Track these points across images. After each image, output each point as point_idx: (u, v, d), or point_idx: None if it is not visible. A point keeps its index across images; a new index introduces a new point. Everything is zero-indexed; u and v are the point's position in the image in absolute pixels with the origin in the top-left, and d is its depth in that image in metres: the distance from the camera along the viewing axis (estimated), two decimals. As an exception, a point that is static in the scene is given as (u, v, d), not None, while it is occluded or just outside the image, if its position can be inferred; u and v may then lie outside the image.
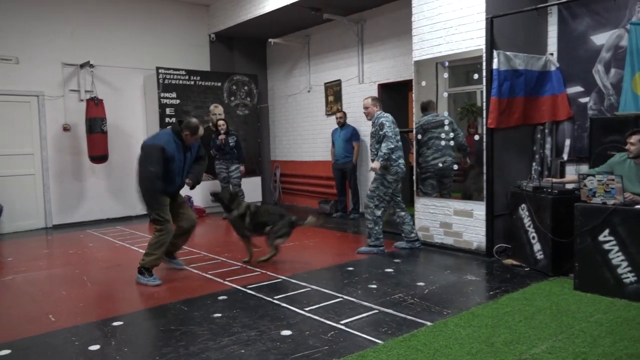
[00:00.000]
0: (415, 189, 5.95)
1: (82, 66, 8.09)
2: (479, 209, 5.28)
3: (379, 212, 5.40)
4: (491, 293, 4.07)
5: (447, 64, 5.52)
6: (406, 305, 3.75)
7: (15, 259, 5.79)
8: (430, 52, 5.66)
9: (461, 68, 5.47)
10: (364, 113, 5.60)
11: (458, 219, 5.50)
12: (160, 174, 4.45)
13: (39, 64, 7.78)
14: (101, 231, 7.39)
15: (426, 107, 5.75)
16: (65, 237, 7.11)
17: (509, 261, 4.97)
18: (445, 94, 5.59)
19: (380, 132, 5.30)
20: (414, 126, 5.91)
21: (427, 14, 5.66)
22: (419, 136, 5.81)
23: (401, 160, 5.34)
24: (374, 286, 4.29)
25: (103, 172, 8.38)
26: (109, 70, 8.42)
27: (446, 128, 5.54)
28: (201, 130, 4.65)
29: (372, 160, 5.47)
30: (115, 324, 3.53)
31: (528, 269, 4.71)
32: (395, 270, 4.79)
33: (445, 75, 5.56)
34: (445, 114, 5.56)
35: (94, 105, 7.79)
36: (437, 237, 5.71)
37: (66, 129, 8.04)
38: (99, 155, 7.86)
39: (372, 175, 8.10)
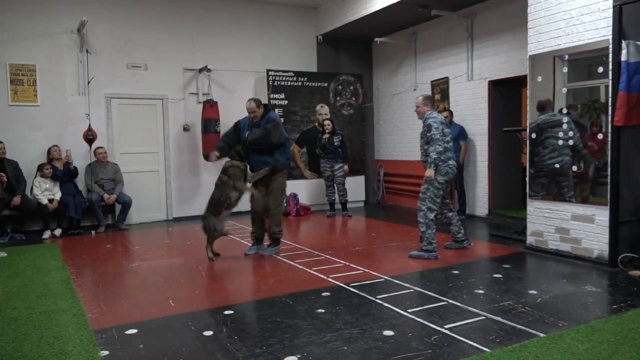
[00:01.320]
0: (528, 191, 5.61)
1: (200, 71, 8.71)
2: (602, 214, 4.84)
3: (431, 215, 5.25)
4: (614, 306, 3.72)
5: (566, 57, 5.13)
6: (516, 314, 3.56)
7: (141, 247, 6.39)
8: (547, 45, 5.30)
9: (583, 61, 5.05)
10: (415, 112, 5.54)
11: (577, 224, 5.09)
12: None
13: (164, 70, 8.50)
14: (215, 225, 7.88)
15: (544, 106, 5.39)
16: (184, 229, 7.70)
17: (636, 273, 4.50)
18: (564, 90, 5.19)
19: (428, 134, 5.20)
20: (528, 125, 5.58)
21: (545, 5, 5.31)
22: (534, 135, 5.46)
23: (451, 161, 5.25)
24: (481, 291, 4.12)
25: (215, 169, 8.93)
26: (224, 74, 8.96)
27: (564, 127, 5.15)
28: (250, 105, 5.51)
29: (423, 161, 5.36)
30: (226, 312, 3.75)
31: (660, 282, 4.24)
32: (504, 276, 4.56)
33: (565, 69, 5.17)
34: (564, 110, 5.18)
35: (209, 107, 8.35)
36: (552, 243, 5.33)
37: (186, 129, 8.70)
38: (212, 154, 8.41)
39: (482, 174, 7.84)
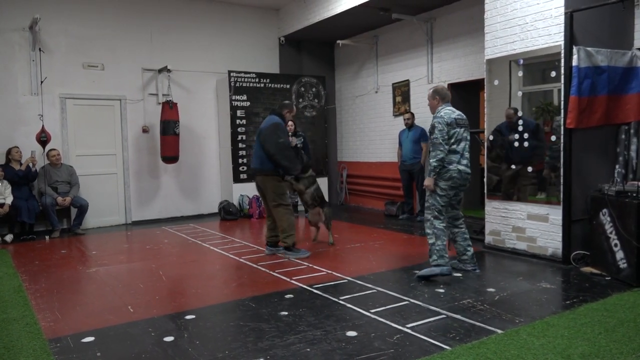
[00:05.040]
0: (485, 191, 5.76)
1: (160, 71, 8.53)
2: (556, 214, 5.02)
3: (439, 224, 4.54)
4: (568, 302, 3.86)
5: (521, 61, 5.30)
6: (475, 312, 3.64)
7: (99, 252, 6.20)
8: (503, 50, 5.46)
9: (537, 66, 5.23)
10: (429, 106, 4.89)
11: (532, 224, 5.26)
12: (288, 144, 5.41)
13: (122, 70, 8.29)
14: (175, 228, 7.75)
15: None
16: (143, 233, 7.53)
17: (588, 269, 4.69)
18: (520, 93, 5.36)
19: (431, 137, 4.58)
20: (485, 127, 5.72)
21: (501, 10, 5.47)
22: (491, 137, 5.62)
23: (453, 165, 4.50)
24: (442, 290, 4.20)
25: (175, 171, 8.79)
26: (184, 75, 8.81)
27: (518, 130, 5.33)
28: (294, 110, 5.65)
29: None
30: (188, 317, 3.69)
31: (609, 278, 4.42)
32: (463, 275, 4.66)
33: (520, 73, 5.34)
34: (520, 113, 5.34)
35: (169, 109, 8.18)
36: (509, 242, 5.49)
37: (145, 130, 8.51)
38: (170, 156, 8.26)
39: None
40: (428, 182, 4.57)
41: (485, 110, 5.74)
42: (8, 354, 3.04)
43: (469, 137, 4.67)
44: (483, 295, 4.04)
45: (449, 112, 4.60)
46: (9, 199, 6.89)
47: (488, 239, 5.72)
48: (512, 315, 3.55)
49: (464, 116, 4.71)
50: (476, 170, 8.16)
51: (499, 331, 3.25)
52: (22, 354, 3.05)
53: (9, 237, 6.87)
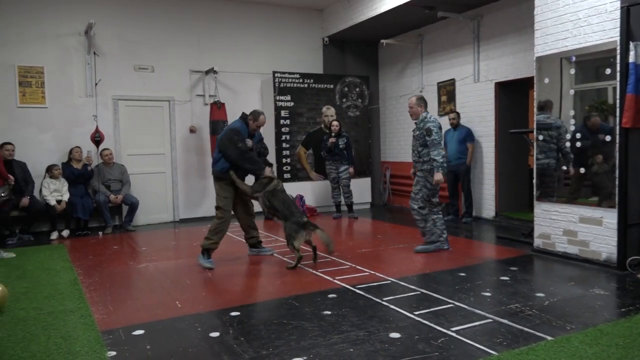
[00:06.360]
0: (535, 193, 5.59)
1: (207, 72, 8.74)
2: (610, 217, 4.81)
3: (424, 211, 5.47)
4: (623, 310, 3.69)
5: (574, 59, 5.11)
6: (523, 317, 3.54)
7: (148, 249, 6.41)
8: (554, 47, 5.28)
9: (590, 63, 5.03)
10: (409, 113, 5.62)
11: (585, 227, 5.06)
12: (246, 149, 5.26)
13: (171, 72, 8.54)
14: (221, 226, 7.89)
15: (543, 107, 5.43)
16: (190, 231, 7.72)
17: (645, 276, 4.48)
18: (572, 91, 5.17)
19: (428, 139, 5.29)
20: (535, 126, 5.56)
21: (552, 6, 5.29)
22: (540, 137, 5.46)
23: (445, 163, 5.38)
24: (488, 294, 4.11)
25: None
26: (230, 76, 8.98)
27: (558, 130, 5.25)
28: (263, 119, 5.40)
29: (415, 162, 5.61)
30: (233, 313, 3.76)
31: (669, 285, 4.21)
32: (511, 279, 4.54)
33: (572, 71, 5.15)
34: (572, 112, 5.16)
35: (217, 109, 8.37)
36: (560, 246, 5.31)
37: (192, 130, 8.73)
38: (220, 155, 8.42)
39: (489, 176, 7.81)
40: (439, 177, 5.23)
41: (535, 109, 5.57)
42: (65, 344, 3.20)
43: None
44: (532, 300, 3.93)
45: (435, 117, 5.45)
46: (66, 196, 7.24)
47: (537, 242, 5.55)
48: (562, 322, 3.43)
49: None
50: (524, 171, 7.94)
51: (549, 338, 3.15)
52: (78, 344, 3.20)
53: (65, 233, 7.22)
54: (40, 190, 7.22)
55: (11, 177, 6.21)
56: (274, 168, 8.88)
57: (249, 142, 5.28)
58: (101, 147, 7.67)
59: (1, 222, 6.78)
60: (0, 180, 5.80)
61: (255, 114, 5.42)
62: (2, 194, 5.73)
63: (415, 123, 5.57)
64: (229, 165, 5.27)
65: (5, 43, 7.41)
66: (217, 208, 5.40)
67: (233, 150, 5.19)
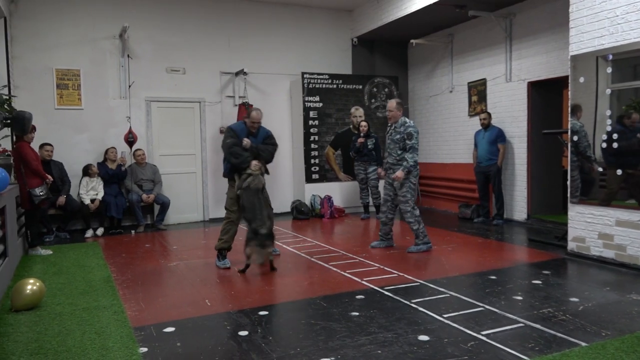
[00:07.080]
0: (569, 195, 5.45)
1: (236, 74, 8.83)
2: (648, 220, 4.66)
3: (416, 212, 5.71)
4: (662, 317, 3.57)
5: (610, 57, 4.96)
6: (556, 322, 3.46)
7: (179, 247, 6.52)
8: (590, 45, 5.14)
9: (628, 61, 4.87)
10: (388, 116, 5.79)
11: (621, 230, 4.91)
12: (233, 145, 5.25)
13: (201, 74, 8.67)
14: (250, 226, 7.96)
15: (573, 111, 5.34)
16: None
17: (686, 282, 4.31)
18: (608, 91, 5.02)
19: (408, 142, 5.56)
20: (569, 127, 5.43)
21: (587, 4, 5.15)
22: (575, 138, 5.32)
23: (417, 165, 5.69)
24: (519, 298, 4.02)
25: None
26: (259, 77, 9.06)
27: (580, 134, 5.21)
28: (255, 115, 5.30)
29: (390, 163, 5.74)
30: (261, 313, 3.79)
31: None
32: (543, 283, 4.44)
33: (608, 69, 5.00)
34: (608, 112, 5.01)
35: (245, 110, 8.44)
36: (595, 249, 5.16)
37: (222, 131, 8.83)
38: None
39: (521, 177, 7.65)
40: (400, 174, 5.54)
41: (569, 109, 5.43)
42: (98, 339, 3.28)
43: None
44: (565, 304, 3.83)
45: (413, 123, 5.69)
46: (100, 194, 7.43)
47: (571, 245, 5.41)
48: (597, 328, 3.34)
49: None
50: (558, 172, 7.76)
51: (583, 344, 3.06)
52: (111, 339, 3.28)
53: (99, 231, 7.41)
54: (79, 189, 7.44)
55: (49, 176, 6.40)
56: (302, 167, 8.92)
57: (246, 141, 5.29)
58: (134, 147, 7.85)
59: (40, 220, 6.99)
60: (39, 180, 6.00)
61: (249, 112, 5.53)
62: (41, 193, 5.93)
63: (395, 127, 5.73)
64: (230, 166, 5.38)
65: (45, 47, 7.67)
66: (224, 208, 5.57)
67: (223, 147, 5.35)
